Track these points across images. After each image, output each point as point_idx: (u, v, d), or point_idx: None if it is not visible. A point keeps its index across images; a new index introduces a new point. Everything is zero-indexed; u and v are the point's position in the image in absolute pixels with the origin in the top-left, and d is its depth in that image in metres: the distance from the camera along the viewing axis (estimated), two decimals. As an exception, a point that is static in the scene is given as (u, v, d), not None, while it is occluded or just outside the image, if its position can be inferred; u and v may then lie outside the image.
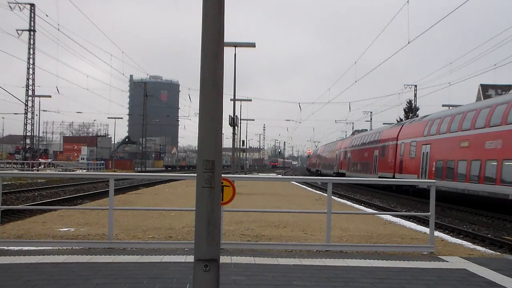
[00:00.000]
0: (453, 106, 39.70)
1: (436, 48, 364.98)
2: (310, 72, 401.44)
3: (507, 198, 18.54)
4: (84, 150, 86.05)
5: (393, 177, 32.12)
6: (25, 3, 47.03)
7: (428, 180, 13.56)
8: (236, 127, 32.21)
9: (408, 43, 23.56)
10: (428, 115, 31.46)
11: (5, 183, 27.50)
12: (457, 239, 10.57)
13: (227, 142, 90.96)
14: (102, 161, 71.89)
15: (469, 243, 10.02)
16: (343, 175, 49.10)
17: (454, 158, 23.76)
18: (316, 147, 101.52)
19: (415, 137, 30.13)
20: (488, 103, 22.86)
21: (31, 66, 49.61)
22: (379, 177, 34.50)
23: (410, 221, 14.56)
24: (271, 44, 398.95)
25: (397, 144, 33.36)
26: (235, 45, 25.50)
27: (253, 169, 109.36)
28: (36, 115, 52.78)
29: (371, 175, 38.33)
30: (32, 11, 48.04)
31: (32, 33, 48.44)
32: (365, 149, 42.70)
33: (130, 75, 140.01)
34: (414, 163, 29.55)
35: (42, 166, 54.92)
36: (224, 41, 3.62)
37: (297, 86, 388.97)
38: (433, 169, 26.15)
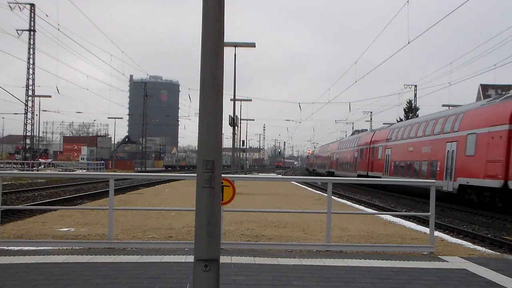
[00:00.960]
0: (453, 106, 39.76)
1: (436, 48, 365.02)
2: (310, 72, 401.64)
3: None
4: (84, 150, 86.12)
5: (367, 175, 39.05)
6: (25, 3, 47.05)
7: (428, 180, 13.60)
8: (236, 127, 32.20)
9: (408, 43, 23.60)
10: (393, 123, 41.55)
11: (5, 183, 27.50)
12: (457, 239, 10.57)
13: (227, 142, 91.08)
14: (102, 161, 71.92)
15: (469, 243, 10.02)
16: (332, 173, 56.49)
17: (404, 159, 31.32)
18: (315, 147, 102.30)
19: (381, 142, 37.24)
20: (426, 118, 29.93)
21: (31, 66, 49.64)
22: (358, 175, 41.99)
23: (410, 221, 14.55)
24: (272, 44, 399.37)
25: (369, 148, 40.49)
26: (235, 45, 25.50)
27: (253, 169, 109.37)
28: (36, 115, 52.82)
29: (352, 173, 45.68)
30: (32, 11, 48.07)
31: (32, 33, 48.45)
32: (348, 151, 50.42)
33: (130, 75, 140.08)
34: (380, 163, 36.56)
35: (42, 166, 54.93)
36: (224, 41, 3.62)
37: (297, 86, 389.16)
38: (392, 167, 33.47)
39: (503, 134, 19.32)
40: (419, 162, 28.33)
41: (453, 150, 23.68)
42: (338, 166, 54.69)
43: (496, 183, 19.25)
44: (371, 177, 36.26)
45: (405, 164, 30.94)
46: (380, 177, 35.20)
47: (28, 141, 53.37)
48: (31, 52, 49.17)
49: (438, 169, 25.34)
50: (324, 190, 25.76)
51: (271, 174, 62.03)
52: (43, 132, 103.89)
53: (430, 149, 26.97)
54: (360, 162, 43.42)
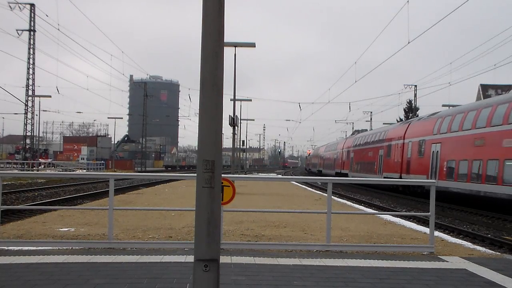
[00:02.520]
0: (453, 106, 39.72)
1: (436, 48, 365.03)
2: (310, 72, 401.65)
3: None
4: (84, 150, 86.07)
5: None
6: (25, 3, 47.02)
7: (428, 180, 13.57)
8: (236, 127, 32.18)
9: (408, 43, 23.56)
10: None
11: (5, 183, 27.50)
12: (457, 239, 10.57)
13: (227, 142, 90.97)
14: (102, 161, 71.89)
15: (469, 243, 10.01)
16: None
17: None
18: (313, 148, 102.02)
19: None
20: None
21: (31, 66, 49.61)
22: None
23: (410, 221, 14.55)
24: (272, 44, 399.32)
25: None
26: (235, 45, 25.49)
27: (253, 169, 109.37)
28: (36, 115, 52.78)
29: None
30: (32, 11, 48.03)
31: (32, 33, 48.42)
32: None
33: (130, 75, 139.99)
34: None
35: (42, 166, 54.91)
36: (224, 41, 3.62)
37: (297, 86, 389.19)
38: (444, 169, 24.86)
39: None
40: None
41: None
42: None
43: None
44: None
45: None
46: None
47: (28, 141, 53.34)
48: (31, 52, 49.15)
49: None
50: (324, 190, 25.76)
51: (271, 174, 62.03)
52: (43, 132, 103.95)
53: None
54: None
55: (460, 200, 23.19)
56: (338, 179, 9.69)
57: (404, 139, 32.16)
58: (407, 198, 28.11)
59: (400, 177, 30.93)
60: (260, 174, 67.68)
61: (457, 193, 23.10)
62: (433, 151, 26.47)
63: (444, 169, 24.74)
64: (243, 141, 58.78)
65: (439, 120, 27.15)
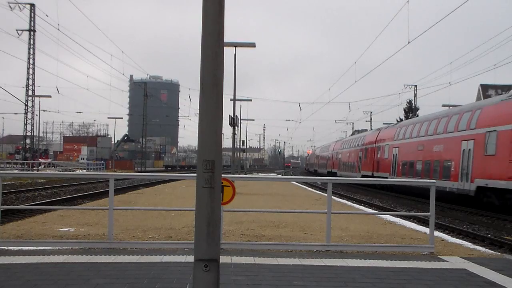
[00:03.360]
0: (453, 106, 39.76)
1: (436, 48, 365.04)
2: (311, 72, 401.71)
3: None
4: (84, 150, 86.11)
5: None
6: (25, 3, 47.02)
7: (427, 180, 13.64)
8: (236, 127, 32.19)
9: (408, 43, 23.59)
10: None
11: (5, 183, 27.50)
12: (457, 239, 10.57)
13: (227, 142, 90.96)
14: (102, 161, 71.89)
15: (469, 243, 10.01)
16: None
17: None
18: (313, 148, 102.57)
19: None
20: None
21: (31, 66, 49.62)
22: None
23: (410, 221, 14.55)
24: (273, 44, 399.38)
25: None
26: (235, 45, 25.49)
27: (253, 169, 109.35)
28: (36, 115, 52.78)
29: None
30: (32, 11, 48.03)
31: (32, 33, 48.42)
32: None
33: (130, 75, 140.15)
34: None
35: (42, 166, 54.90)
36: (224, 41, 3.62)
37: (298, 86, 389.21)
38: (400, 167, 32.05)
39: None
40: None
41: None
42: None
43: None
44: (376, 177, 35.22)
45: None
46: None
47: (28, 141, 53.34)
48: (31, 52, 49.14)
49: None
50: (324, 190, 25.77)
51: (271, 174, 62.04)
52: (43, 132, 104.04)
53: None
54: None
55: (410, 192, 30.11)
56: (338, 179, 9.69)
57: (375, 143, 39.09)
58: (407, 198, 28.12)
59: (372, 175, 37.59)
60: (260, 174, 67.69)
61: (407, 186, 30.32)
62: (393, 154, 33.81)
63: (400, 167, 32.16)
64: (243, 141, 58.81)
65: (397, 129, 34.68)
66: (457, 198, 23.63)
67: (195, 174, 3.65)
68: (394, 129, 35.57)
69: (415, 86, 58.82)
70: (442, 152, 25.56)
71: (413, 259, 7.27)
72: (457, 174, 23.32)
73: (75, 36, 73.28)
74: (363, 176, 40.48)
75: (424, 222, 14.53)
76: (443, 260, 7.22)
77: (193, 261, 3.54)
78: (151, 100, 78.19)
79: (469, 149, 22.35)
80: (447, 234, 12.42)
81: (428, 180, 13.01)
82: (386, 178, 33.56)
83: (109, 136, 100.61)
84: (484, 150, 21.06)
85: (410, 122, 33.88)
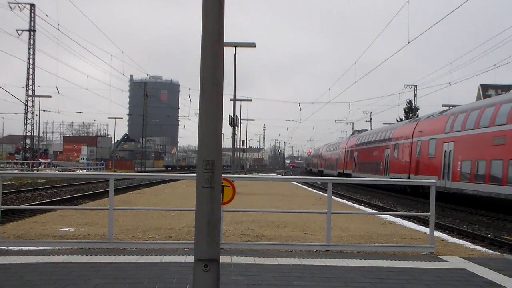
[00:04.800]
0: (453, 106, 39.73)
1: (436, 48, 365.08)
2: (311, 72, 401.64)
3: None
4: (84, 150, 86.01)
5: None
6: (25, 3, 47.01)
7: (427, 180, 13.60)
8: (236, 127, 32.18)
9: (408, 43, 23.57)
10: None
11: (5, 183, 27.50)
12: (457, 239, 10.57)
13: (227, 142, 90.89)
14: (102, 161, 71.87)
15: (469, 243, 10.02)
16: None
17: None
18: (313, 148, 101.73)
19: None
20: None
21: (31, 66, 49.60)
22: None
23: (410, 221, 14.55)
24: (273, 44, 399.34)
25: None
26: (235, 45, 25.49)
27: (253, 169, 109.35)
28: (36, 115, 52.75)
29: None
30: (32, 11, 48.02)
31: (32, 33, 48.40)
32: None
33: (130, 75, 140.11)
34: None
35: (42, 166, 54.89)
36: (224, 41, 3.62)
37: (298, 86, 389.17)
38: (459, 169, 23.44)
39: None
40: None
41: None
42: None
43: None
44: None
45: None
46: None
47: (28, 141, 53.33)
48: (31, 52, 49.13)
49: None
50: (324, 190, 25.76)
51: (271, 174, 62.02)
52: (43, 132, 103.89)
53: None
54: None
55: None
56: (338, 179, 9.70)
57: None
58: (407, 198, 28.11)
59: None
60: (260, 174, 67.70)
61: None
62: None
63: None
64: (243, 141, 58.77)
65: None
66: None
67: (195, 174, 3.65)
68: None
69: (415, 86, 58.84)
70: None
71: (413, 259, 7.26)
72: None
73: (75, 36, 73.30)
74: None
75: (424, 222, 14.53)
76: (443, 260, 7.22)
77: (193, 261, 3.54)
78: (151, 100, 78.20)
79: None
80: (447, 234, 12.42)
81: (428, 180, 13.06)
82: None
83: (109, 136, 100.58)
84: None
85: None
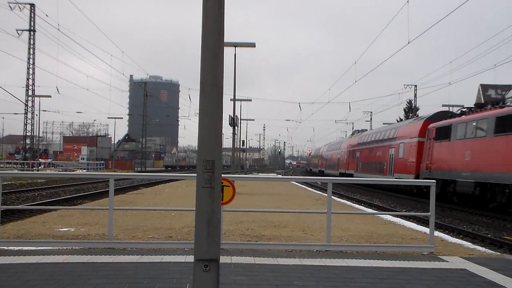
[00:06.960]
0: (453, 106, 39.74)
1: (436, 47, 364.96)
2: (311, 72, 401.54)
3: None
4: (84, 150, 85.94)
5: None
6: (25, 3, 47.00)
7: (427, 181, 13.59)
8: (236, 127, 32.18)
9: (408, 43, 23.53)
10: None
11: (5, 183, 27.49)
12: (457, 239, 10.57)
13: (227, 142, 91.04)
14: (102, 161, 71.85)
15: (469, 243, 10.01)
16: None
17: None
18: (313, 148, 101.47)
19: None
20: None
21: (31, 66, 49.59)
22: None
23: (410, 221, 14.55)
24: (273, 44, 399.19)
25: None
26: (235, 45, 25.48)
27: (253, 169, 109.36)
28: (36, 115, 52.72)
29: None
30: (32, 11, 48.00)
31: (32, 33, 48.38)
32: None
33: (130, 75, 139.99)
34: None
35: (42, 166, 54.89)
36: (224, 41, 3.62)
37: (298, 86, 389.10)
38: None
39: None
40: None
41: None
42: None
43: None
44: None
45: None
46: None
47: (28, 141, 53.31)
48: (31, 52, 49.11)
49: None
50: (325, 190, 25.76)
51: (271, 174, 62.01)
52: (43, 132, 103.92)
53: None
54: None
55: None
56: (338, 179, 9.70)
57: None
58: (407, 198, 28.10)
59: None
60: (260, 174, 67.68)
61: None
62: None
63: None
64: (243, 141, 58.78)
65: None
66: None
67: (195, 174, 3.65)
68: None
69: (415, 86, 58.82)
70: None
71: (413, 259, 7.27)
72: None
73: (75, 36, 73.41)
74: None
75: (424, 222, 14.53)
76: (443, 260, 7.22)
77: (193, 261, 3.54)
78: (151, 100, 78.18)
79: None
80: (447, 234, 12.41)
81: (428, 180, 13.05)
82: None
83: (109, 136, 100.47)
84: None
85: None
